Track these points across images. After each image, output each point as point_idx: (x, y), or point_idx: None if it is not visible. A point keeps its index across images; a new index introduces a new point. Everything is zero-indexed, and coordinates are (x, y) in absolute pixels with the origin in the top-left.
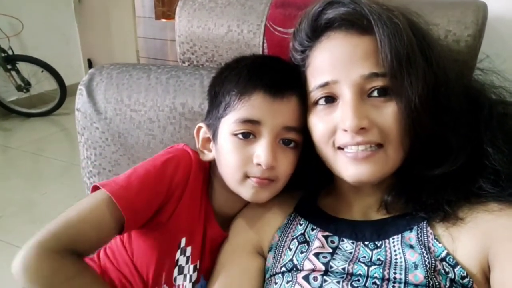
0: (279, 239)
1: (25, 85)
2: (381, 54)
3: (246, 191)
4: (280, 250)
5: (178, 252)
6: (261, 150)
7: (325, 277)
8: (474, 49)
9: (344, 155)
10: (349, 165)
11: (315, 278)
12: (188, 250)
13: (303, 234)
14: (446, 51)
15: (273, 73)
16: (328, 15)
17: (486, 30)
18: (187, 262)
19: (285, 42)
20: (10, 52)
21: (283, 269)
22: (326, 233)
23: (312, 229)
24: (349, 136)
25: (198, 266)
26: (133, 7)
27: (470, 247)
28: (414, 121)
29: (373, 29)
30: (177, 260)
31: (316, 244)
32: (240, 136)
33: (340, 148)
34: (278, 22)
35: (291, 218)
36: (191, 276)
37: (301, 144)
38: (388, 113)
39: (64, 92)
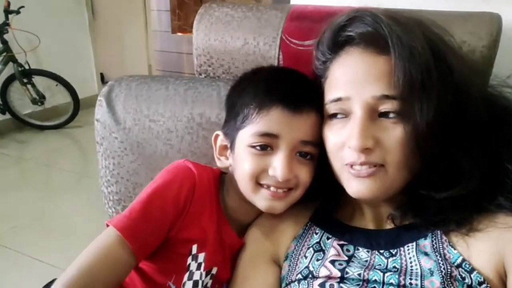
0: (295, 248)
1: (40, 99)
2: (394, 77)
3: (260, 202)
4: (296, 258)
5: (190, 258)
6: (277, 163)
7: (341, 285)
8: (489, 60)
9: (348, 171)
10: (352, 181)
11: (332, 286)
12: (201, 256)
13: (318, 242)
14: (470, 63)
15: (292, 87)
16: (349, 31)
17: (500, 41)
18: (198, 268)
19: (301, 54)
20: (26, 67)
21: (299, 276)
22: (342, 242)
23: (328, 238)
24: (354, 155)
25: (214, 272)
26: (145, 22)
27: (486, 253)
28: (419, 146)
29: (389, 50)
30: (189, 265)
31: (331, 252)
32: (257, 147)
33: (345, 164)
34: (293, 35)
35: (306, 227)
36: (203, 282)
37: (317, 156)
38: (394, 136)
39: (77, 105)
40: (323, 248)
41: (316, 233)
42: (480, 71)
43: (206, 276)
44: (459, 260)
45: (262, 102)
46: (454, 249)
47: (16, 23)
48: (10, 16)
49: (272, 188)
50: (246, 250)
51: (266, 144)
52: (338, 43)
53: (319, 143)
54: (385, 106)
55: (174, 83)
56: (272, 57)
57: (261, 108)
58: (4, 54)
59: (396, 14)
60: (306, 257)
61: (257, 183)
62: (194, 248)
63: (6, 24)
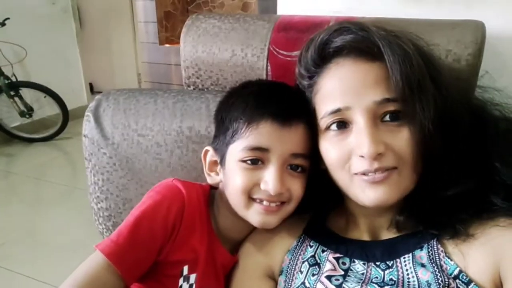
0: (289, 262)
1: (28, 111)
2: (392, 80)
3: (253, 217)
4: (291, 274)
5: (181, 279)
6: (269, 177)
7: None
8: (474, 68)
9: (361, 180)
10: (367, 189)
11: None
12: (192, 277)
13: (313, 256)
14: (447, 71)
15: (281, 101)
16: (336, 43)
17: (485, 48)
18: None
19: (288, 65)
20: (13, 79)
21: None
22: (337, 255)
23: (323, 251)
24: (366, 163)
25: None
26: (134, 32)
27: (482, 263)
28: (428, 145)
29: (382, 56)
30: (180, 286)
31: (327, 266)
32: (248, 162)
33: (355, 173)
34: (281, 46)
35: (300, 240)
36: None
37: (308, 168)
38: (402, 137)
39: (67, 117)
40: (319, 261)
41: (311, 246)
42: (465, 78)
43: None
44: (456, 272)
45: (251, 116)
46: (451, 260)
47: (2, 35)
48: None
49: (264, 203)
50: (239, 267)
51: (257, 158)
52: (325, 57)
53: (309, 155)
54: (387, 109)
55: (162, 96)
56: (260, 68)
57: (251, 122)
58: None
59: (381, 24)
60: (301, 272)
61: (250, 198)
62: (185, 269)
63: None
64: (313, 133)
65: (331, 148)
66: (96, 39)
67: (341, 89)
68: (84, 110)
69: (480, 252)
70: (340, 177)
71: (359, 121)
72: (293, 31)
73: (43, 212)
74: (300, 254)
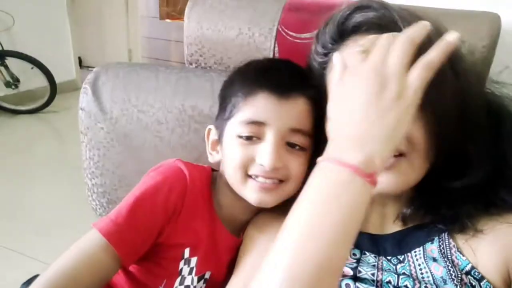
0: None
1: (14, 82)
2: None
3: (249, 194)
4: None
5: (182, 262)
6: (264, 151)
7: (357, 284)
8: (488, 60)
9: None
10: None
11: (348, 285)
12: (193, 260)
13: None
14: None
15: (280, 74)
16: (357, 19)
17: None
18: (190, 273)
19: (297, 47)
20: None
21: None
22: None
23: None
24: None
25: (207, 277)
26: (126, 5)
27: (492, 260)
28: (442, 132)
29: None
30: (181, 270)
31: None
32: (245, 137)
33: None
34: (290, 27)
35: None
36: (195, 287)
37: (309, 148)
38: (414, 124)
39: (54, 90)
40: None
41: None
42: (478, 70)
43: (198, 281)
44: (468, 267)
45: (249, 90)
46: (463, 255)
47: None
48: None
49: (260, 179)
50: (250, 238)
51: (254, 134)
52: (343, 33)
53: (310, 133)
54: None
55: (164, 72)
56: (267, 49)
57: (248, 95)
58: None
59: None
60: None
61: (246, 175)
62: (187, 252)
63: None
64: (317, 112)
65: None
66: (87, 11)
67: None
68: (73, 84)
69: (490, 249)
70: None
71: None
72: (304, 12)
73: (29, 186)
74: None
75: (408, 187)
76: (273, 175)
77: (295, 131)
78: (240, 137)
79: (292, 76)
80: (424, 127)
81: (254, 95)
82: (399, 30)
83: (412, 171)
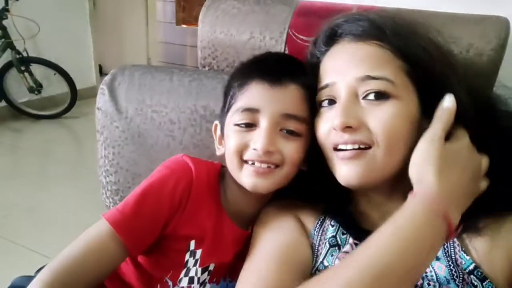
0: (315, 234)
1: (37, 87)
2: (395, 63)
3: (244, 179)
4: (316, 250)
5: (188, 254)
6: (258, 135)
7: None
8: (495, 64)
9: (337, 155)
10: (341, 165)
11: None
12: (198, 252)
13: (334, 236)
14: (466, 65)
15: (272, 62)
16: (342, 27)
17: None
18: (194, 265)
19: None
20: (24, 54)
21: (316, 272)
22: (355, 241)
23: (343, 233)
24: (338, 135)
25: (211, 268)
26: (146, 14)
27: (496, 261)
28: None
29: (384, 40)
30: (187, 261)
31: (347, 248)
32: (242, 125)
33: (335, 149)
34: (300, 31)
35: (320, 221)
36: (199, 279)
37: (306, 134)
38: (379, 116)
39: (75, 96)
40: (339, 243)
41: (332, 226)
42: (485, 74)
43: (202, 273)
44: (471, 267)
45: (243, 79)
46: (467, 254)
47: (16, 9)
48: (10, 2)
49: (255, 164)
50: (266, 218)
51: (249, 121)
52: (331, 38)
53: (306, 120)
54: (369, 88)
55: (178, 74)
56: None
57: (242, 85)
58: (3, 40)
59: (402, 15)
60: (321, 254)
61: (242, 160)
62: (192, 244)
63: (5, 10)
64: (313, 100)
65: (320, 123)
66: (108, 20)
67: (332, 66)
68: (93, 91)
69: (494, 250)
70: (326, 154)
71: (341, 96)
72: (313, 16)
73: (48, 188)
74: (322, 235)
75: (375, 179)
76: (266, 159)
77: (289, 116)
78: (237, 125)
79: (284, 64)
80: (387, 120)
81: (248, 84)
82: (378, 34)
83: (375, 164)
